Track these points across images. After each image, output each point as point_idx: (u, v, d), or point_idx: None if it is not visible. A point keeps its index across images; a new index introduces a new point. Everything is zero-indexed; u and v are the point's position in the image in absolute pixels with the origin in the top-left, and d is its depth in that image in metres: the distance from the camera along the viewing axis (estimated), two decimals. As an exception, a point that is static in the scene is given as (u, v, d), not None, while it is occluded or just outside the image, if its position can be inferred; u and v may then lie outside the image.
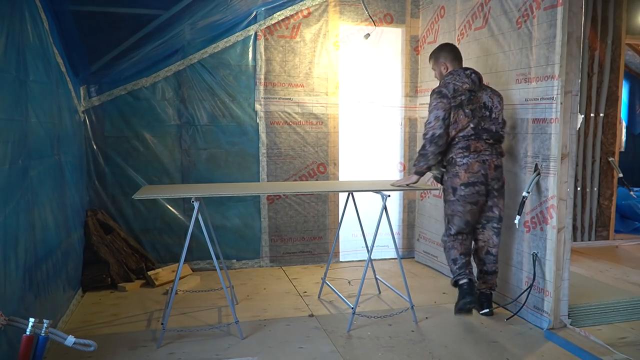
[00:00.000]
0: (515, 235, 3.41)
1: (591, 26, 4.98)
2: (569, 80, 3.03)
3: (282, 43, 4.43)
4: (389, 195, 3.17)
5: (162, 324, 2.97)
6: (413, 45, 4.74)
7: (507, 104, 3.47)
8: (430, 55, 3.52)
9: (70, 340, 2.00)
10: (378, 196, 3.20)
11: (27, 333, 1.97)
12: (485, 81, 3.71)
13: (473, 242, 3.38)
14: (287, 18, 4.40)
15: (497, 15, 3.55)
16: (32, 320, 1.98)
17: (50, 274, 2.94)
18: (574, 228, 5.17)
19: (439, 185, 3.45)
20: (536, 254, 3.22)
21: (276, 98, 4.46)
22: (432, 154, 3.21)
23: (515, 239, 3.42)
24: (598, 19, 5.03)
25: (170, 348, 2.89)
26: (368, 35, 4.59)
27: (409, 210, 4.90)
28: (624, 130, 7.60)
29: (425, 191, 4.61)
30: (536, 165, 3.21)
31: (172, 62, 4.22)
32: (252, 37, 4.36)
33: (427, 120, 3.20)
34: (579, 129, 3.15)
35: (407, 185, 3.37)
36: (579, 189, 5.20)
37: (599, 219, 5.36)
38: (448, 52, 3.40)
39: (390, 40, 4.75)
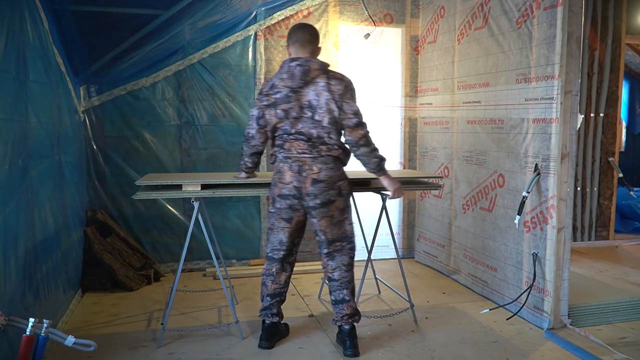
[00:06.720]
0: (515, 235, 3.41)
1: (591, 26, 4.98)
2: (569, 80, 3.03)
3: (282, 43, 4.43)
4: (389, 195, 3.17)
5: (162, 324, 2.97)
6: (413, 45, 4.74)
7: (508, 104, 3.47)
8: None
9: (70, 340, 1.99)
10: (378, 196, 3.20)
11: (27, 333, 1.96)
12: (484, 81, 3.72)
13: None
14: (287, 18, 4.40)
15: (497, 15, 3.55)
16: (32, 320, 1.98)
17: (50, 274, 2.94)
18: (574, 228, 5.17)
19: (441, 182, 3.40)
20: (536, 254, 3.22)
21: (276, 98, 4.46)
22: (246, 154, 2.99)
23: (515, 239, 3.42)
24: (598, 19, 5.03)
25: (170, 348, 2.89)
26: (368, 35, 4.59)
27: (409, 210, 4.90)
28: (624, 130, 7.60)
29: (425, 191, 4.61)
30: (536, 165, 3.21)
31: (172, 62, 4.21)
32: (252, 37, 4.36)
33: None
34: (579, 129, 3.15)
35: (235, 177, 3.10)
36: (579, 189, 5.20)
37: (599, 219, 5.36)
38: (291, 34, 2.82)
39: (390, 40, 4.75)
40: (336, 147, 2.75)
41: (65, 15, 3.48)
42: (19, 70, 2.56)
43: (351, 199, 3.61)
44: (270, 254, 2.93)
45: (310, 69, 2.69)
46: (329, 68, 2.79)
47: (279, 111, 2.74)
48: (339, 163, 2.80)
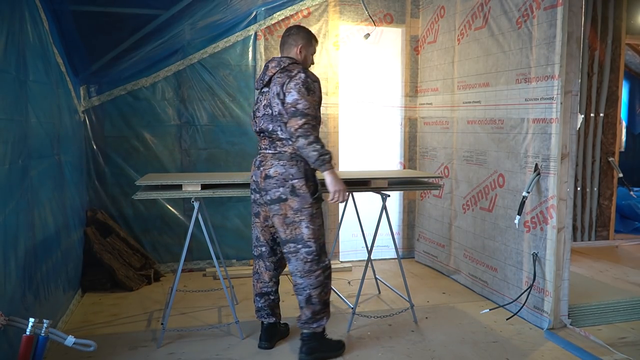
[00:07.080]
0: (515, 235, 3.41)
1: (591, 26, 4.98)
2: (569, 80, 3.03)
3: (282, 43, 4.43)
4: (389, 195, 3.17)
5: (162, 324, 2.97)
6: (413, 45, 4.74)
7: (508, 104, 3.47)
8: None
9: (70, 340, 1.99)
10: (378, 196, 3.20)
11: (27, 333, 1.96)
12: (484, 81, 3.72)
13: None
14: (287, 18, 4.40)
15: (497, 15, 3.55)
16: (32, 320, 1.98)
17: (50, 274, 2.94)
18: (574, 228, 5.17)
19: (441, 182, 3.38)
20: (536, 254, 3.22)
21: (276, 98, 4.46)
22: None
23: (515, 239, 3.42)
24: (598, 19, 5.03)
25: (170, 348, 2.89)
26: (368, 35, 4.59)
27: (409, 210, 4.90)
28: (624, 130, 7.60)
29: (425, 191, 4.61)
30: (536, 165, 3.21)
31: (172, 62, 4.21)
32: (252, 37, 4.36)
33: None
34: (579, 129, 3.15)
35: None
36: (579, 189, 5.20)
37: (599, 219, 5.36)
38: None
39: (390, 40, 4.75)
40: (290, 142, 2.66)
41: (65, 15, 3.48)
42: (19, 70, 2.56)
43: (352, 199, 3.64)
44: (252, 252, 2.97)
45: (268, 67, 2.74)
46: (292, 65, 2.70)
47: (251, 113, 2.89)
48: (297, 160, 2.66)
